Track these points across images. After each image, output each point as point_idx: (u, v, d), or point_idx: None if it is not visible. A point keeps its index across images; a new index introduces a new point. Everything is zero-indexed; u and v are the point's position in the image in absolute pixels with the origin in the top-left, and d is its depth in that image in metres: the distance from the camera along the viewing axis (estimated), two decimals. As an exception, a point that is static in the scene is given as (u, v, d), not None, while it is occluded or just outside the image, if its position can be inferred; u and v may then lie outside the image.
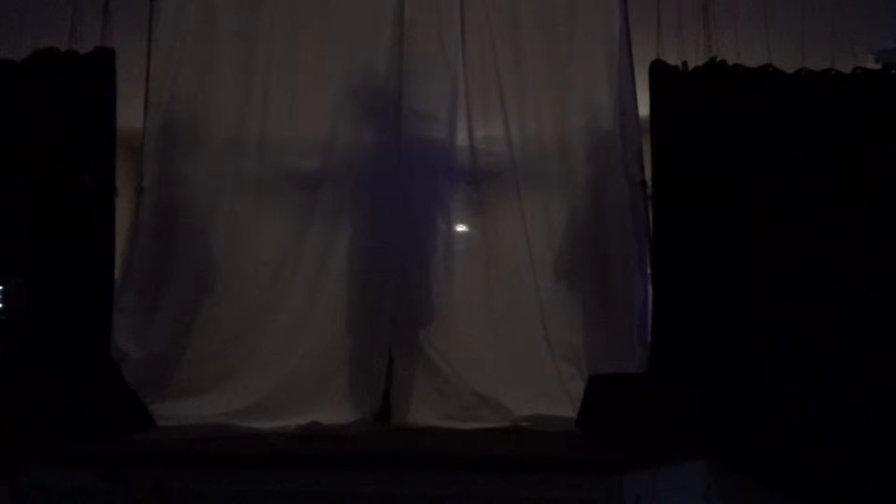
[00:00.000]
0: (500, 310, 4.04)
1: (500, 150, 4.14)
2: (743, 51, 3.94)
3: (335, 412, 3.78)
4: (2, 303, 3.53)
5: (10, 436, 3.33)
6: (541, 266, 4.01)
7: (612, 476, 3.14)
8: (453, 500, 3.18)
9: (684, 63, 3.92)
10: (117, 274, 3.88)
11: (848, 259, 3.82)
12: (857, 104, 3.94)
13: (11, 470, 3.27)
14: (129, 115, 4.04)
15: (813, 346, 3.72)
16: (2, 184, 3.81)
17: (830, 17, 3.99)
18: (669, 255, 3.82)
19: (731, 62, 3.93)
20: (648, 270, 3.90)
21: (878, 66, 4.36)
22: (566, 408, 3.74)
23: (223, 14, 4.17)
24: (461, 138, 4.13)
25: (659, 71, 3.91)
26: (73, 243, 3.75)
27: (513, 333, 4.01)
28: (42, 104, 3.85)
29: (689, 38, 3.93)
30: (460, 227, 4.22)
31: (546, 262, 4.03)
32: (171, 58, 4.09)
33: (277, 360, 3.92)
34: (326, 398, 3.86)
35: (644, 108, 3.99)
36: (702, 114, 3.88)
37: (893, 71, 4.10)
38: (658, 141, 3.89)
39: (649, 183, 3.92)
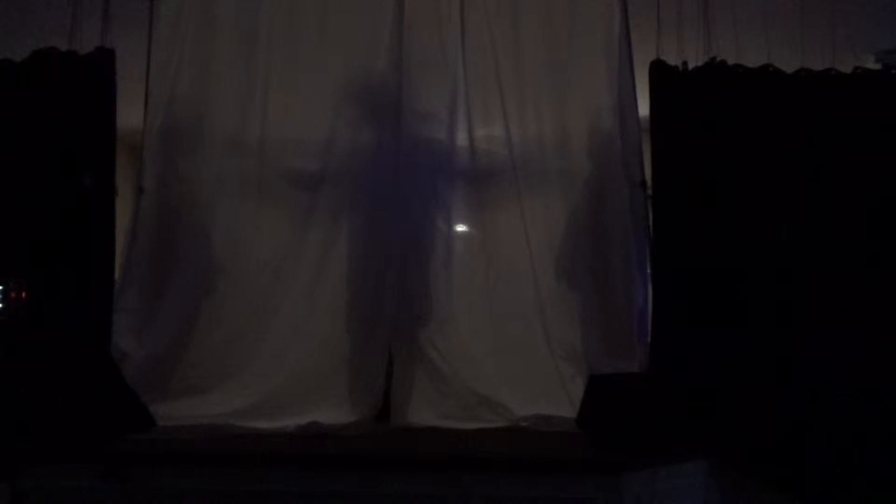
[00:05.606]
0: (500, 310, 4.04)
1: (500, 150, 4.13)
2: (743, 51, 3.94)
3: (335, 412, 3.78)
4: (2, 303, 3.53)
5: (10, 436, 3.33)
6: (541, 266, 4.01)
7: (611, 476, 3.15)
8: (453, 500, 3.19)
9: (684, 63, 3.92)
10: (117, 274, 3.88)
11: (848, 259, 3.82)
12: (857, 104, 3.95)
13: (11, 470, 3.27)
14: (129, 115, 4.04)
15: (813, 345, 3.72)
16: (2, 184, 3.81)
17: (830, 17, 4.00)
18: (669, 255, 3.82)
19: (731, 62, 3.93)
20: (648, 270, 3.90)
21: (878, 66, 4.36)
22: (566, 408, 3.75)
23: (223, 14, 4.16)
24: (461, 138, 4.13)
25: (659, 71, 3.91)
26: (73, 243, 3.75)
27: (513, 333, 4.01)
28: (42, 104, 3.85)
29: (689, 38, 3.93)
30: (460, 227, 4.22)
31: (546, 262, 4.04)
32: (171, 58, 4.08)
33: (277, 361, 3.91)
34: (326, 398, 3.86)
35: (644, 108, 3.99)
36: (702, 114, 3.89)
37: (893, 71, 4.10)
38: (658, 141, 3.89)
39: (649, 183, 3.92)
